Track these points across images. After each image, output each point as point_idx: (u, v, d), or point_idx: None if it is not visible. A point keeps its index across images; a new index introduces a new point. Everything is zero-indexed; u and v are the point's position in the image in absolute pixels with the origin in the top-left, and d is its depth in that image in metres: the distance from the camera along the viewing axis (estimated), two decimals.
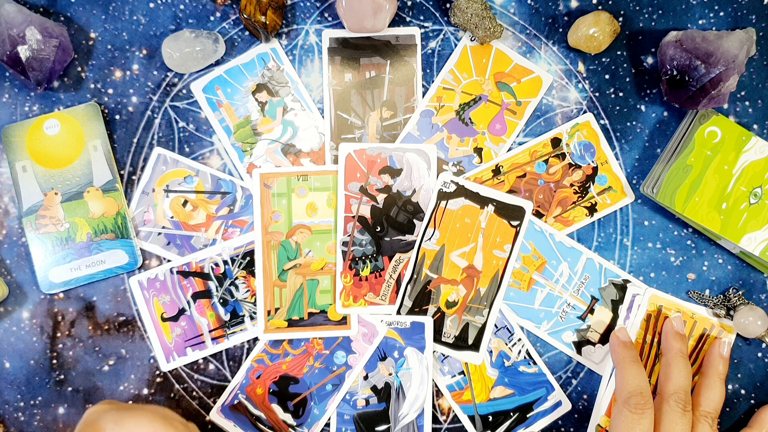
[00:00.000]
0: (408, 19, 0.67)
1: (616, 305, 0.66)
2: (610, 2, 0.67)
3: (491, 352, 0.66)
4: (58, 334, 0.66)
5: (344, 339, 0.66)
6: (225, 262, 0.66)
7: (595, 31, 0.64)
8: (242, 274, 0.66)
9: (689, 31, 0.63)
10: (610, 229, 0.67)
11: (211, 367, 0.66)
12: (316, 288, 0.66)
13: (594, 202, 0.67)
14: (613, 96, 0.67)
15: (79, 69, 0.66)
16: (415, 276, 0.66)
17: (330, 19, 0.67)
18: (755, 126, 0.67)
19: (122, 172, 0.66)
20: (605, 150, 0.67)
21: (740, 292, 0.66)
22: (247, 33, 0.67)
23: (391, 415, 0.65)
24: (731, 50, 0.61)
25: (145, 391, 0.66)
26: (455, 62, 0.67)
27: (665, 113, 0.67)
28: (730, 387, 0.66)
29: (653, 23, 0.67)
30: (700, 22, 0.67)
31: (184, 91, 0.67)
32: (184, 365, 0.66)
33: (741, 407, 0.67)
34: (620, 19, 0.67)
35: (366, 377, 0.66)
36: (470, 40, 0.67)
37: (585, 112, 0.67)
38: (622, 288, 0.66)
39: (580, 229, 0.67)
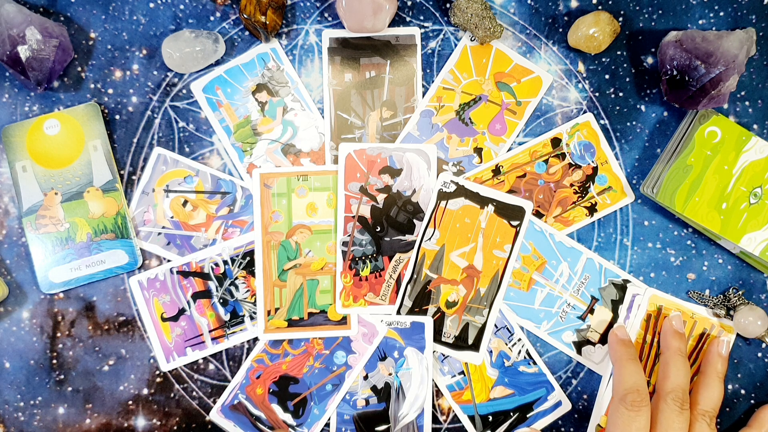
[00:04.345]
0: (408, 19, 0.67)
1: (616, 305, 0.66)
2: (610, 2, 0.67)
3: (491, 352, 0.66)
4: (58, 334, 0.66)
5: (344, 339, 0.66)
6: (225, 262, 0.66)
7: (595, 31, 0.64)
8: (242, 274, 0.66)
9: (689, 31, 0.63)
10: (610, 229, 0.67)
11: (211, 367, 0.66)
12: (316, 288, 0.66)
13: (594, 202, 0.67)
14: (613, 96, 0.67)
15: (79, 69, 0.66)
16: (415, 276, 0.66)
17: (330, 19, 0.67)
18: (755, 126, 0.67)
19: (122, 172, 0.66)
20: (605, 150, 0.67)
21: (740, 292, 0.66)
22: (247, 33, 0.67)
23: (391, 415, 0.65)
24: (731, 50, 0.61)
25: (145, 391, 0.66)
26: (455, 62, 0.67)
27: (665, 113, 0.67)
28: (730, 387, 0.66)
29: (653, 23, 0.67)
30: (700, 22, 0.67)
31: (184, 91, 0.67)
32: (184, 365, 0.66)
33: (741, 407, 0.67)
34: (620, 19, 0.67)
35: (366, 377, 0.66)
36: (470, 40, 0.67)
37: (585, 112, 0.67)
38: (622, 288, 0.66)
39: (580, 229, 0.67)
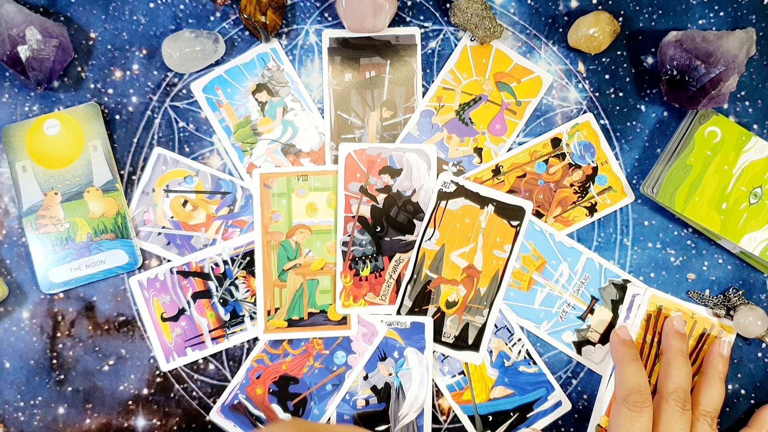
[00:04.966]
0: (408, 19, 0.67)
1: (616, 305, 0.66)
2: (610, 2, 0.67)
3: (491, 352, 0.66)
4: (58, 334, 0.66)
5: (344, 339, 0.66)
6: (225, 262, 0.66)
7: (595, 31, 0.64)
8: (242, 274, 0.66)
9: (689, 31, 0.63)
10: (610, 229, 0.67)
11: (211, 367, 0.66)
12: (316, 288, 0.66)
13: (594, 202, 0.67)
14: (613, 96, 0.67)
15: (79, 69, 0.66)
16: (415, 276, 0.66)
17: (330, 19, 0.67)
18: (755, 126, 0.67)
19: (122, 172, 0.66)
20: (605, 150, 0.67)
21: (740, 292, 0.66)
22: (247, 33, 0.67)
23: (391, 415, 0.65)
24: (731, 50, 0.61)
25: (145, 391, 0.66)
26: (455, 62, 0.67)
27: (665, 113, 0.67)
28: (730, 387, 0.66)
29: (653, 23, 0.67)
30: (700, 22, 0.67)
31: (184, 91, 0.67)
32: (184, 365, 0.66)
33: (741, 407, 0.67)
34: (620, 19, 0.67)
35: (366, 377, 0.66)
36: (470, 40, 0.67)
37: (585, 112, 0.67)
38: (622, 288, 0.66)
39: (580, 229, 0.67)
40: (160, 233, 0.66)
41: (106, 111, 0.66)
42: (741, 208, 0.64)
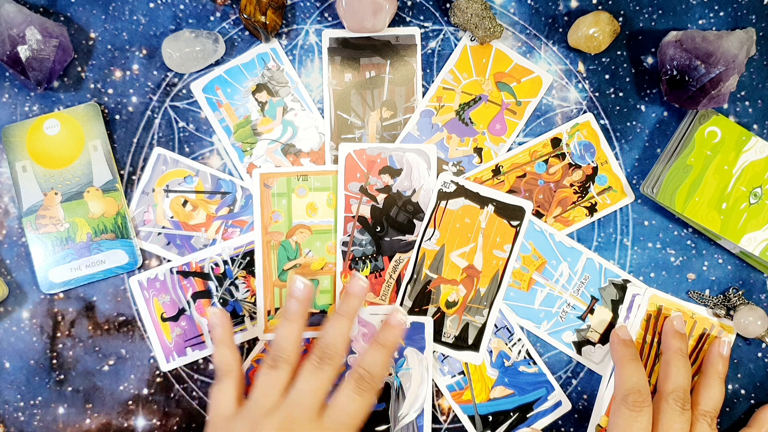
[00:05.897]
0: (408, 19, 0.67)
1: (616, 305, 0.66)
2: (610, 2, 0.67)
3: (491, 352, 0.66)
4: (58, 334, 0.66)
5: None
6: (225, 262, 0.66)
7: (595, 31, 0.64)
8: (242, 274, 0.66)
9: (689, 31, 0.63)
10: (610, 229, 0.67)
11: (211, 367, 0.66)
12: (316, 288, 0.66)
13: (594, 202, 0.67)
14: (613, 96, 0.67)
15: (79, 69, 0.66)
16: (415, 276, 0.66)
17: (330, 19, 0.67)
18: (755, 126, 0.67)
19: (122, 172, 0.66)
20: (605, 150, 0.67)
21: (740, 292, 0.66)
22: (247, 33, 0.67)
23: (391, 415, 0.65)
24: (731, 50, 0.61)
25: (145, 391, 0.66)
26: (455, 62, 0.67)
27: (665, 113, 0.67)
28: (730, 387, 0.66)
29: (653, 23, 0.67)
30: (700, 22, 0.67)
31: (184, 91, 0.67)
32: (184, 365, 0.66)
33: (741, 407, 0.67)
34: (620, 19, 0.67)
35: None
36: (470, 40, 0.67)
37: (585, 112, 0.67)
38: (622, 288, 0.66)
39: (580, 229, 0.67)
40: (160, 233, 0.66)
41: (106, 111, 0.66)
42: (741, 208, 0.64)
